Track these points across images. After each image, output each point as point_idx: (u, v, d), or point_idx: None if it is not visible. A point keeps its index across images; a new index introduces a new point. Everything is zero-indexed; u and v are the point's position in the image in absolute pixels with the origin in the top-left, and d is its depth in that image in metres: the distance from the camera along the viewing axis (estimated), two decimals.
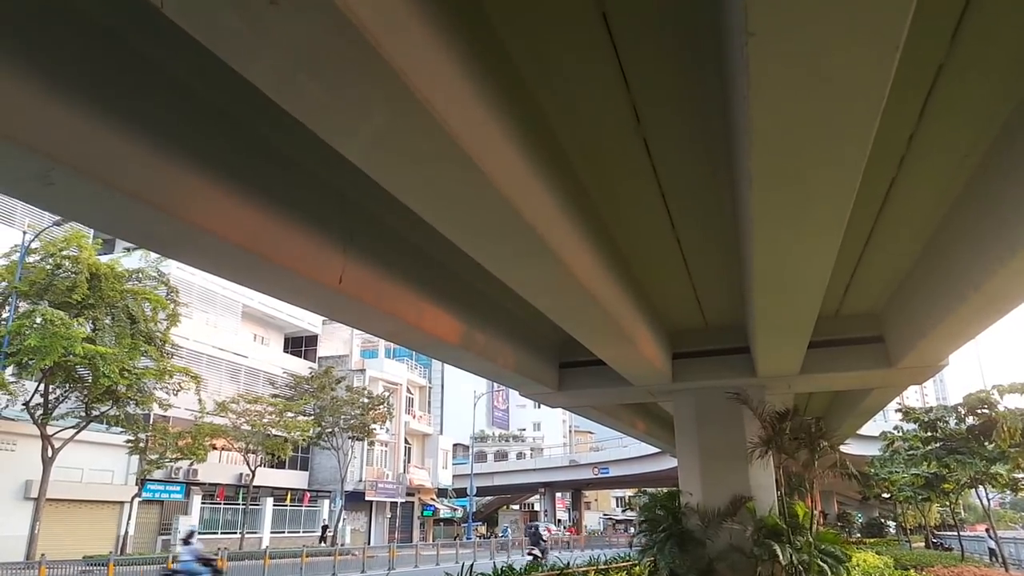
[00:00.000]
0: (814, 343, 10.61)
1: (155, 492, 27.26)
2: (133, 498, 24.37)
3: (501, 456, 73.97)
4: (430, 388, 57.88)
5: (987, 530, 28.77)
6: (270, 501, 32.77)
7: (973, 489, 18.72)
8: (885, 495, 32.93)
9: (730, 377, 12.84)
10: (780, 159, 4.45)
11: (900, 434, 23.10)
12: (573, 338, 13.98)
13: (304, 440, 31.17)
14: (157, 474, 26.17)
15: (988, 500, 16.65)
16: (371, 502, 39.20)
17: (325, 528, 32.81)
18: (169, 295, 21.42)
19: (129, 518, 24.56)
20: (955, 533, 33.59)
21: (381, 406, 33.39)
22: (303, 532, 34.51)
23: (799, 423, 12.61)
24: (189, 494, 28.93)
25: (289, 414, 29.14)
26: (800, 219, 5.26)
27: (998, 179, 6.91)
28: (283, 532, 33.36)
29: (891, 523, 43.22)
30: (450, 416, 63.80)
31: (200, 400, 23.40)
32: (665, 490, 14.69)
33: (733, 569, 12.04)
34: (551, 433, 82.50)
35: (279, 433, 28.34)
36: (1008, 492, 17.18)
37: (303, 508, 35.42)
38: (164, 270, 26.33)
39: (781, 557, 11.43)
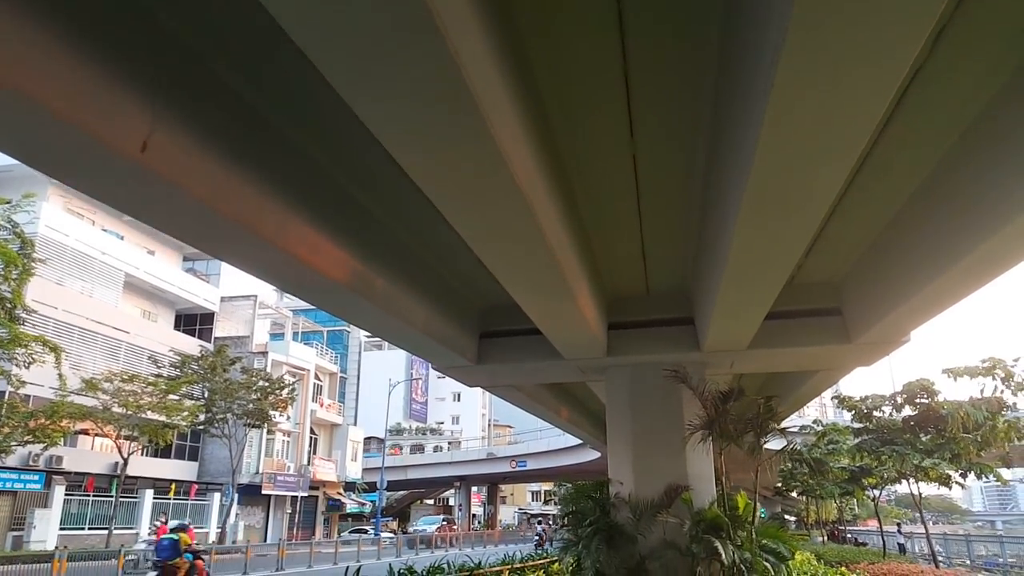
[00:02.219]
0: (767, 314, 9.24)
1: (6, 481, 23.58)
2: None
3: (417, 449, 71.53)
4: (344, 378, 54.88)
5: (898, 526, 29.02)
6: (150, 494, 29.33)
7: (903, 482, 18.10)
8: (794, 491, 32.85)
9: (671, 351, 11.35)
10: None
11: (823, 427, 22.49)
12: (496, 305, 12.20)
13: (189, 426, 27.90)
14: (11, 460, 22.58)
15: (920, 494, 15.91)
16: (269, 496, 36.12)
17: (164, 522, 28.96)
18: (23, 250, 18.08)
19: None
20: (853, 528, 33.90)
21: (282, 391, 30.40)
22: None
23: (745, 404, 11.19)
24: (51, 484, 25.32)
25: (173, 396, 25.87)
26: (847, 63, 3.54)
27: (993, 140, 5.94)
28: None
29: (791, 518, 43.93)
30: (365, 408, 60.87)
31: (60, 375, 20.08)
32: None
33: (667, 569, 10.52)
34: (470, 427, 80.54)
35: (158, 417, 25.07)
36: (935, 486, 16.54)
37: (189, 502, 32.03)
38: (29, 227, 22.82)
39: (723, 555, 9.96)
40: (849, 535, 31.09)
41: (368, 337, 70.54)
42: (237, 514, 33.09)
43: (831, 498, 25.66)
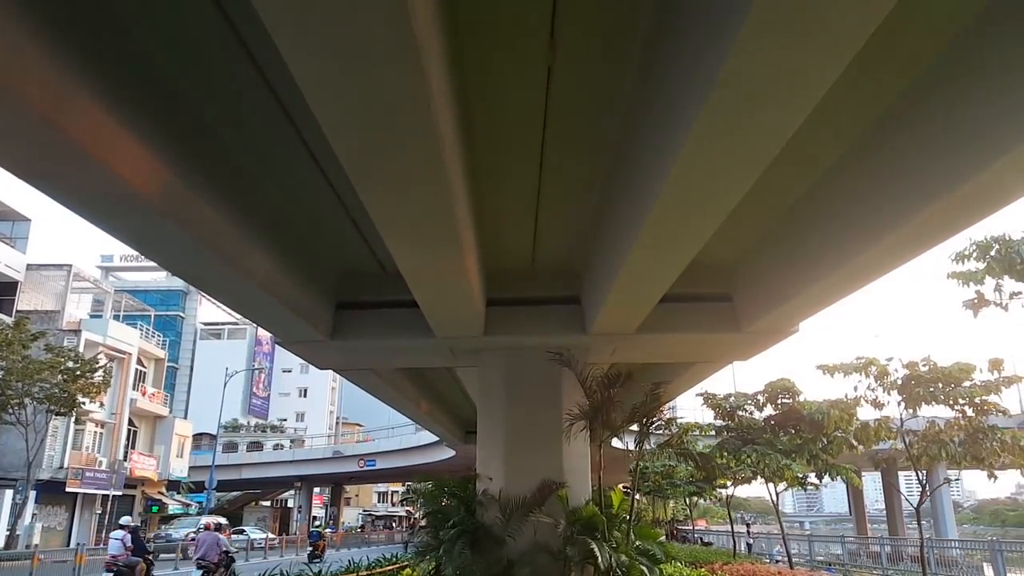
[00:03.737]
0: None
1: None
2: None
3: (256, 447, 66.28)
4: (175, 368, 49.61)
5: (747, 526, 30.21)
6: None
7: (751, 483, 18.38)
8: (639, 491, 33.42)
9: (553, 333, 10.32)
10: None
11: (679, 425, 22.58)
12: (359, 271, 10.47)
13: None
14: None
15: (777, 495, 16.10)
16: (75, 495, 31.28)
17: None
18: None
19: None
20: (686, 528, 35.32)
21: (94, 374, 26.25)
22: None
23: (631, 391, 10.36)
24: None
25: None
26: None
27: (889, 145, 6.01)
28: None
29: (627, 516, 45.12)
30: (199, 402, 55.24)
31: None
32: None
33: (537, 574, 9.40)
34: (316, 424, 75.99)
35: None
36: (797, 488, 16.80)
37: None
38: None
39: (600, 558, 9.00)
40: (696, 535, 32.00)
41: (205, 324, 64.66)
42: (34, 514, 28.40)
43: (681, 498, 26.16)
